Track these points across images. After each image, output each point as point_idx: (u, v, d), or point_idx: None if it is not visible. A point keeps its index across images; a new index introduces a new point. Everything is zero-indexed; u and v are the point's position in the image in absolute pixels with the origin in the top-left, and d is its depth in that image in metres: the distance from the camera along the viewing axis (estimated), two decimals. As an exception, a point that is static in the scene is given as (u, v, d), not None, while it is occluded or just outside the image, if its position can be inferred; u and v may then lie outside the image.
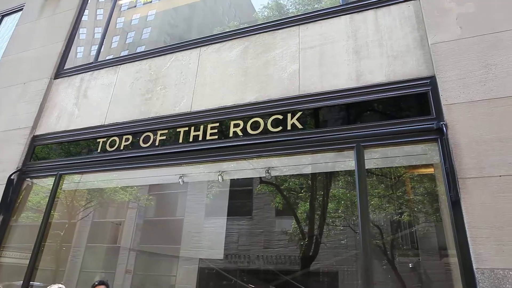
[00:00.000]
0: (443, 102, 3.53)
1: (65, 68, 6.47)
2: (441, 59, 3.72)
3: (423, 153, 4.13)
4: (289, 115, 4.27)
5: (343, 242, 10.37)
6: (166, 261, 11.74)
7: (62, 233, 8.77)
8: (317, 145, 4.05)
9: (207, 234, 11.65)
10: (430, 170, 5.56)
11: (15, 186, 5.45)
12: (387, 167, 7.41)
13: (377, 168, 7.00)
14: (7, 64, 7.06)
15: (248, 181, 11.69)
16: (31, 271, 4.86)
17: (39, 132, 5.89)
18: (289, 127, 4.21)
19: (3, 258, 5.30)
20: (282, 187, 10.07)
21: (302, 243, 10.14)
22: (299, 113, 4.24)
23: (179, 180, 5.61)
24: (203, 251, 11.40)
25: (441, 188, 3.63)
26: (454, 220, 3.12)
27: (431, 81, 3.74)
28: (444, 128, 3.36)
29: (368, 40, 4.29)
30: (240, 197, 11.92)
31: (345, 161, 4.60)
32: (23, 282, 4.71)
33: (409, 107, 3.89)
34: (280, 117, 4.31)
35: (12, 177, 5.43)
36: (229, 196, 11.61)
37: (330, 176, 9.23)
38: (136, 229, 12.86)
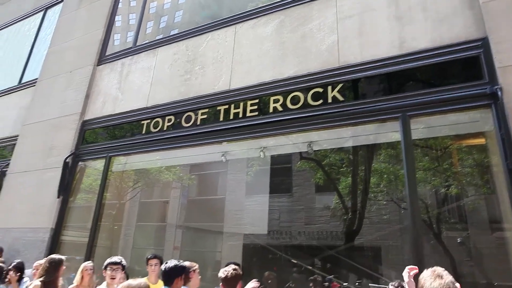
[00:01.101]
0: (497, 64, 3.31)
1: (106, 54, 6.70)
2: (493, 19, 3.47)
3: (473, 121, 3.91)
4: (329, 88, 4.19)
5: (385, 217, 10.19)
6: (211, 238, 12.15)
7: (114, 213, 9.30)
8: (359, 117, 3.96)
9: (249, 212, 11.87)
10: (479, 141, 5.28)
11: (70, 168, 5.82)
12: (432, 138, 7.11)
13: (420, 140, 6.74)
14: (53, 55, 7.42)
15: (287, 158, 11.69)
16: (90, 248, 5.24)
17: (87, 117, 6.20)
18: (329, 100, 4.14)
19: (64, 237, 5.71)
20: (323, 162, 9.99)
21: (345, 217, 10.09)
22: (340, 85, 4.15)
23: (222, 157, 5.72)
24: (247, 227, 11.67)
25: (494, 159, 3.45)
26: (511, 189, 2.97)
27: (483, 43, 3.51)
28: (499, 92, 3.16)
29: (410, 5, 4.07)
30: (280, 175, 11.96)
31: (387, 133, 4.48)
32: (85, 258, 5.07)
33: (459, 72, 3.67)
34: (320, 90, 4.24)
35: (67, 161, 5.80)
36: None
37: (371, 150, 9.02)
38: (181, 208, 13.37)
